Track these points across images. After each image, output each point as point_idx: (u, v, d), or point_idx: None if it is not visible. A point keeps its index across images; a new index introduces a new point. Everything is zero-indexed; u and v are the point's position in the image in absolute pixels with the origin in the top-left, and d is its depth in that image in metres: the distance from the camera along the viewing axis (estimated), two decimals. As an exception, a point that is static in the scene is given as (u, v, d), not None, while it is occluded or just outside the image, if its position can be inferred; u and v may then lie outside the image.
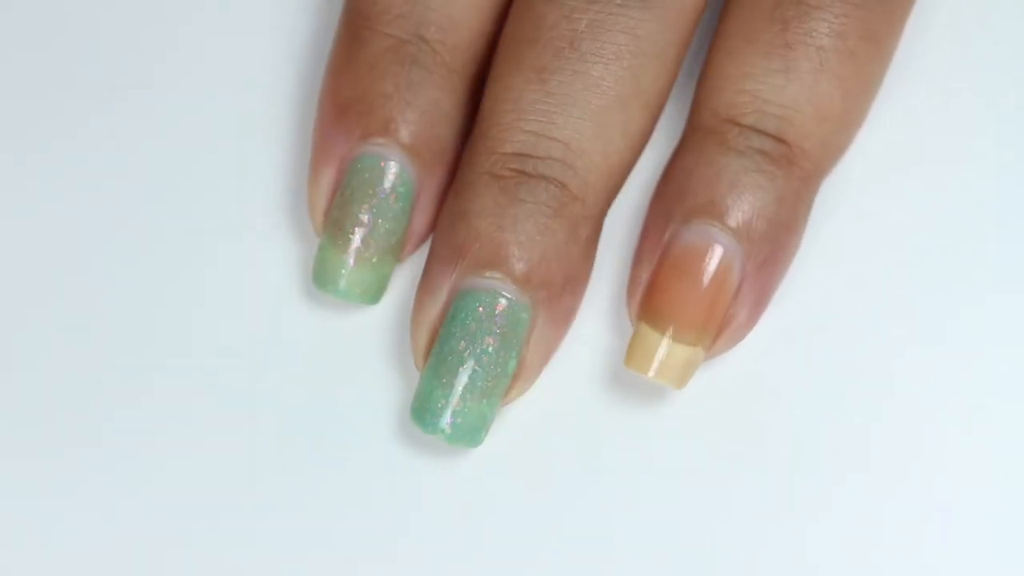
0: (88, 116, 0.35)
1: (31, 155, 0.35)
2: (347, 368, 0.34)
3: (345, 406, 0.34)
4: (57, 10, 0.36)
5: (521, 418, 0.33)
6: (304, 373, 0.34)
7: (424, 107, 0.33)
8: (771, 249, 0.32)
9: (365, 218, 0.33)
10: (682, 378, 0.32)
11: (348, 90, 0.33)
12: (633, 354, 0.32)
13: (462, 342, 0.32)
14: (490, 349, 0.32)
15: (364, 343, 0.34)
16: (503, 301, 0.32)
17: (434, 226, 0.33)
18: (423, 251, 0.34)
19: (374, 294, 0.33)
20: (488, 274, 0.32)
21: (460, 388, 0.32)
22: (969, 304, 0.34)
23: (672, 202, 0.33)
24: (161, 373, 0.34)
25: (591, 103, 0.32)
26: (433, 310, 0.32)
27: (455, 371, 0.32)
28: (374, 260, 0.33)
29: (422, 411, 0.32)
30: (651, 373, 0.32)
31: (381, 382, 0.34)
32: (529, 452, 0.33)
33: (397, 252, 0.33)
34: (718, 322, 0.32)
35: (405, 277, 0.34)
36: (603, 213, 0.33)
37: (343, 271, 0.33)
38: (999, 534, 0.33)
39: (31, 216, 0.35)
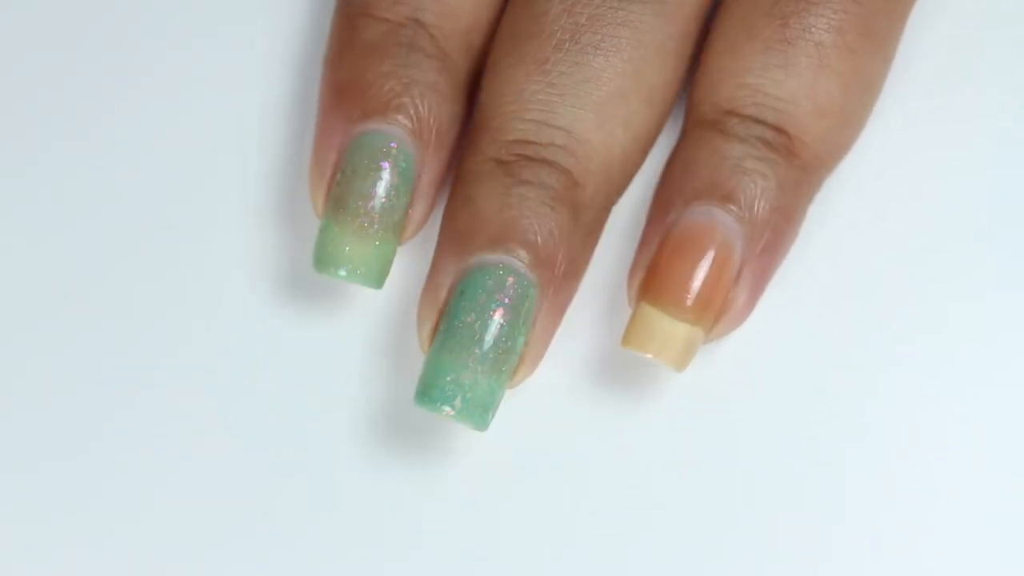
0: (75, 110, 0.35)
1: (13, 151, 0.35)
2: (340, 369, 0.34)
3: (337, 405, 0.33)
4: (51, 6, 0.36)
5: (520, 415, 0.33)
6: (297, 373, 0.34)
7: (423, 88, 0.33)
8: (771, 235, 0.32)
9: (367, 192, 0.32)
10: (682, 359, 0.32)
11: (347, 74, 0.33)
12: (633, 333, 0.32)
13: (472, 314, 0.31)
14: (500, 320, 0.31)
15: (358, 344, 0.34)
16: (511, 275, 0.31)
17: (432, 208, 0.33)
18: (425, 248, 0.34)
19: (377, 275, 0.32)
20: (496, 251, 0.32)
21: (470, 360, 0.31)
22: (970, 303, 0.33)
23: (675, 190, 0.33)
24: (151, 371, 0.34)
25: (592, 94, 0.32)
26: (442, 292, 0.32)
27: (465, 342, 0.31)
28: (376, 237, 0.32)
29: (430, 387, 0.31)
30: (650, 352, 0.32)
31: (373, 384, 0.33)
32: (528, 450, 0.33)
33: (399, 232, 0.32)
34: (719, 303, 0.32)
35: (398, 272, 0.34)
36: (605, 207, 0.33)
37: (346, 248, 0.32)
38: (999, 532, 0.32)
39: (15, 212, 0.35)
